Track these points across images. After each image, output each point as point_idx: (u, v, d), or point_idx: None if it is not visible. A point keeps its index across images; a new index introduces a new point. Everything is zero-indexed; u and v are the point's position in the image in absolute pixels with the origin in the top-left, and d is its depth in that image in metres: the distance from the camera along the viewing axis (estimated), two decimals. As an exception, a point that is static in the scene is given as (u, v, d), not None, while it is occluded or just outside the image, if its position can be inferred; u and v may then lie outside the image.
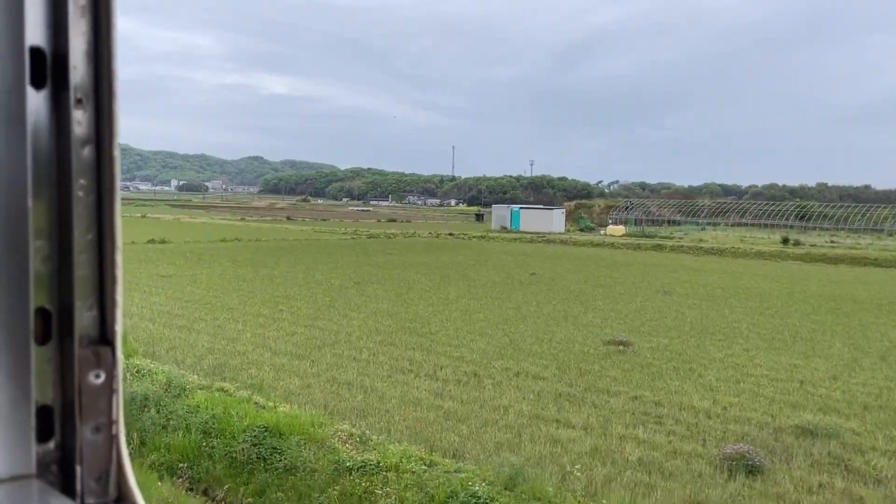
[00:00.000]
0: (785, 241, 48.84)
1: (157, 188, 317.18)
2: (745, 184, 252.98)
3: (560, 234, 57.06)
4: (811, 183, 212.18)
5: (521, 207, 66.11)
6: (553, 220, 62.40)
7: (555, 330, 16.96)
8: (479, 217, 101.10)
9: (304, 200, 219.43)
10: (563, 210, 66.24)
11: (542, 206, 68.22)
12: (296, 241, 46.46)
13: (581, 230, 63.11)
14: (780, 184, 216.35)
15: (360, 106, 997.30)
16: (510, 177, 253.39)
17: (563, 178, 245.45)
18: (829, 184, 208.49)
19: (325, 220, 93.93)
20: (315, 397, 11.18)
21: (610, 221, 67.28)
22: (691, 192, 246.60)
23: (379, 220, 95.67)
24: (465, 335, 16.25)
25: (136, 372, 11.93)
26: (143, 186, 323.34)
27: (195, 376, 11.98)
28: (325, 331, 16.53)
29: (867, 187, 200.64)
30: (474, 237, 52.59)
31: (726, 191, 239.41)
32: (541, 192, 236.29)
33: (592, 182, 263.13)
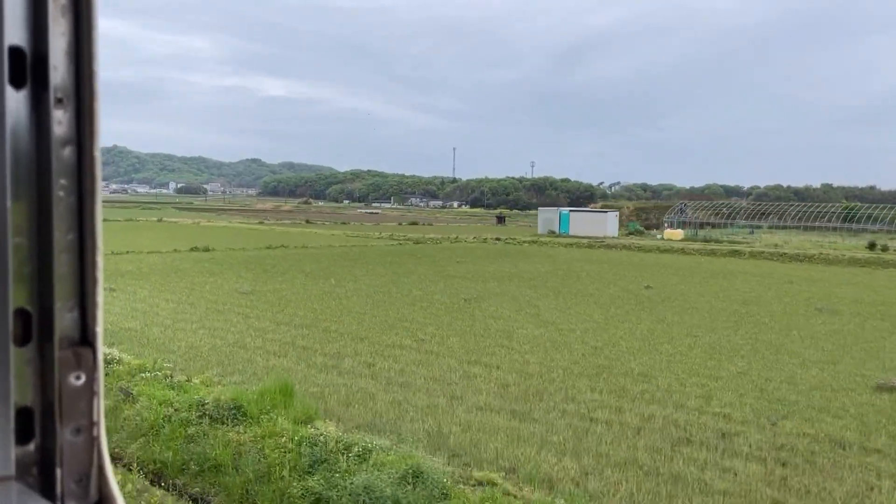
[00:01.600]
0: (871, 246, 45.75)
1: (155, 191, 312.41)
2: (746, 185, 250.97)
3: (615, 238, 53.68)
4: (815, 184, 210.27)
5: (571, 210, 62.40)
6: (607, 224, 58.74)
7: (794, 371, 13.59)
8: (500, 219, 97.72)
9: (306, 203, 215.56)
10: (617, 213, 62.67)
11: (594, 209, 64.43)
12: (343, 248, 42.93)
13: (630, 234, 59.75)
14: (785, 185, 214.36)
15: (359, 108, 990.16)
16: (512, 178, 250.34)
17: (566, 180, 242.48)
18: (834, 185, 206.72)
19: (344, 223, 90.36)
20: (630, 497, 7.76)
21: (665, 225, 63.94)
22: (694, 194, 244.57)
23: (400, 224, 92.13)
24: (688, 378, 12.87)
25: (347, 449, 8.50)
26: (141, 189, 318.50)
27: (433, 459, 8.55)
28: (506, 371, 13.13)
29: (872, 188, 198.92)
30: (525, 242, 49.08)
31: (728, 192, 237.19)
32: (543, 193, 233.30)
33: (594, 183, 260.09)
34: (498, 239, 50.67)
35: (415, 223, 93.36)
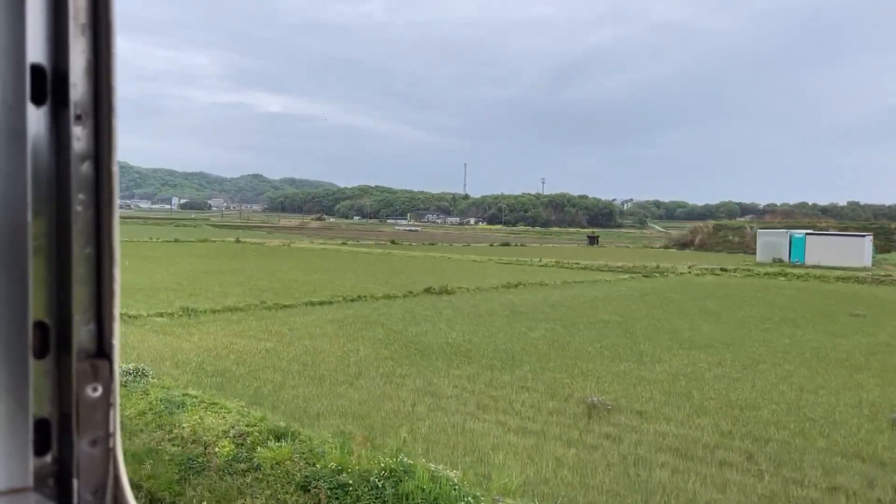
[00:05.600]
0: None
1: (158, 206, 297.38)
2: (761, 202, 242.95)
3: (871, 269, 41.86)
4: (841, 201, 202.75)
5: (807, 233, 50.45)
6: (864, 251, 45.93)
7: None
8: (593, 240, 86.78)
9: (319, 219, 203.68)
10: (871, 237, 49.50)
11: (841, 233, 52.73)
12: (587, 283, 31.39)
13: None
14: (810, 202, 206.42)
15: (356, 125, 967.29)
16: (529, 195, 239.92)
17: (584, 196, 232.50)
18: (861, 202, 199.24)
19: (432, 243, 78.84)
20: None
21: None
22: (707, 211, 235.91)
23: (492, 245, 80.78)
24: None
25: None
26: (144, 204, 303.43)
27: None
28: None
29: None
30: (773, 274, 37.62)
31: (744, 210, 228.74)
32: (562, 210, 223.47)
33: (604, 200, 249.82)
34: (724, 270, 39.41)
35: (506, 244, 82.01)
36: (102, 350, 0.85)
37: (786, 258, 47.70)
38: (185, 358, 13.76)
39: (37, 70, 0.80)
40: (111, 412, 0.85)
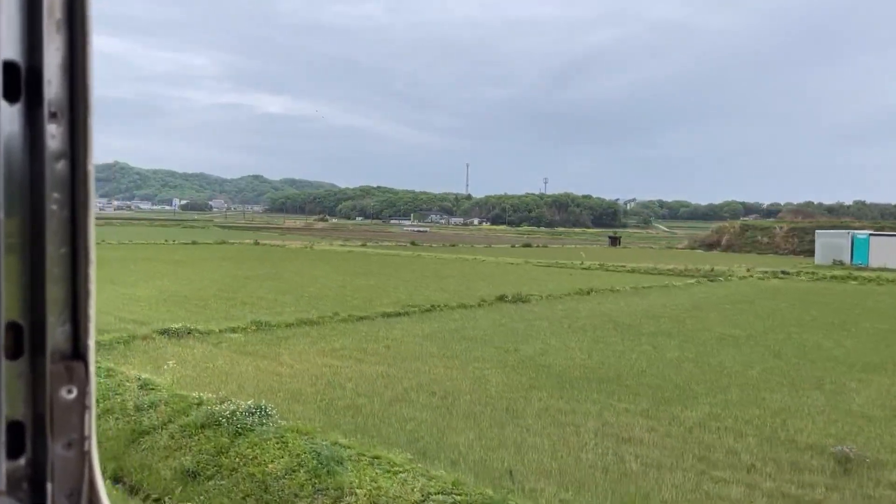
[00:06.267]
0: None
1: (158, 207, 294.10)
2: (764, 202, 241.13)
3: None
4: (847, 201, 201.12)
5: (871, 234, 47.97)
6: None
7: None
8: (614, 241, 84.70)
9: (323, 219, 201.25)
10: None
11: None
12: (656, 288, 29.16)
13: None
14: (815, 202, 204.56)
15: (356, 125, 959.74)
16: (533, 195, 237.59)
17: (588, 196, 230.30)
18: (867, 202, 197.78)
19: (452, 245, 76.58)
20: None
21: None
22: (711, 211, 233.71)
23: (513, 246, 78.57)
24: None
25: None
26: (144, 205, 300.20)
27: None
28: None
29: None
30: (831, 276, 35.64)
31: (748, 209, 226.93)
32: (566, 210, 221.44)
33: (607, 199, 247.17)
34: (786, 273, 37.23)
35: (528, 245, 79.83)
36: (78, 351, 0.83)
37: (847, 260, 45.31)
38: (298, 388, 11.48)
39: (10, 67, 0.77)
40: (86, 414, 0.83)
